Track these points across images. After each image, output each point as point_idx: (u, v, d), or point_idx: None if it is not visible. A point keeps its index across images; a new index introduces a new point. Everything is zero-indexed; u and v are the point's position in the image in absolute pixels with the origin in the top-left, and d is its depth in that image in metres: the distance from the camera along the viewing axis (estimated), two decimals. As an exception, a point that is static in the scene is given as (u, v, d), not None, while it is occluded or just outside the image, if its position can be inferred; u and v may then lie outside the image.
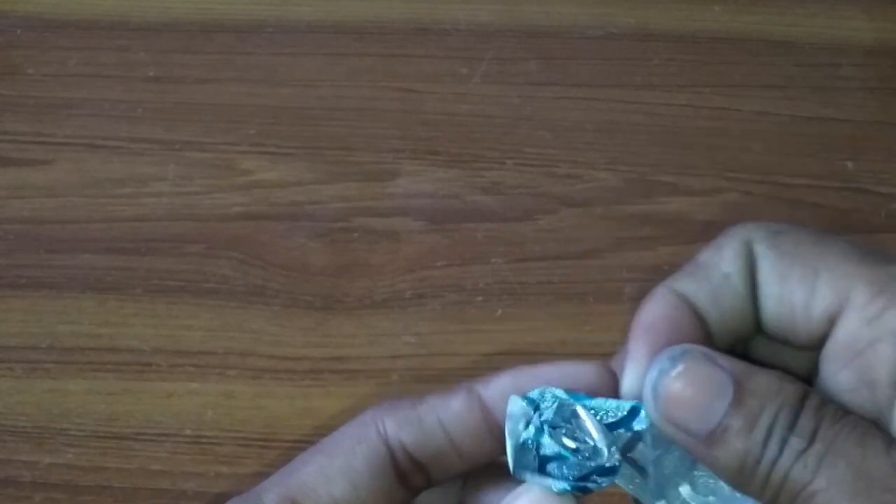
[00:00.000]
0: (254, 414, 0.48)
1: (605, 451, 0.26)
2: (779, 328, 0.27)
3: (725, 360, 0.25)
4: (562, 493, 0.26)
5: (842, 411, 0.25)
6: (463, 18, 0.60)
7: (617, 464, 0.26)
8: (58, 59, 0.59)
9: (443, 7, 0.61)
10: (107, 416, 0.48)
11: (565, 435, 0.26)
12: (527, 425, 0.27)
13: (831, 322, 0.25)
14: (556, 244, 0.53)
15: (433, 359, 0.50)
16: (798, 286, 0.26)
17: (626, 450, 0.27)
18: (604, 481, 0.26)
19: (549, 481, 0.26)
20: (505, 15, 0.61)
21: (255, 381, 0.49)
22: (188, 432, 0.48)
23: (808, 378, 0.27)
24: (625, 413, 0.26)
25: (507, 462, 0.27)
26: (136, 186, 0.54)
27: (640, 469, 0.27)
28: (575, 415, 0.27)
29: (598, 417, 0.27)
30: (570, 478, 0.26)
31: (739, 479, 0.25)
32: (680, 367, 0.25)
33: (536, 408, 0.27)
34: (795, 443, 0.24)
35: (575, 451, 0.26)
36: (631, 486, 0.27)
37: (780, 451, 0.24)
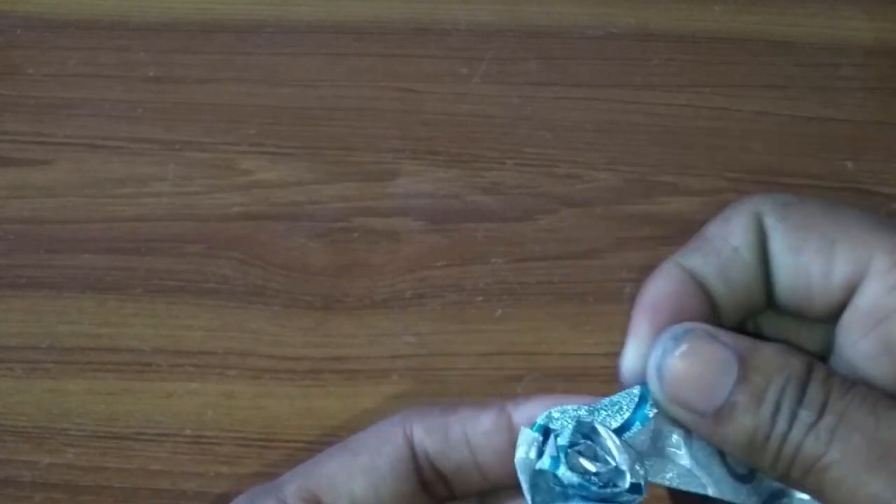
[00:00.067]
0: (254, 414, 0.48)
1: (628, 472, 0.25)
2: (793, 300, 0.26)
3: (728, 337, 0.25)
4: None
5: (849, 382, 0.24)
6: (463, 18, 0.60)
7: (642, 482, 0.25)
8: (58, 59, 0.59)
9: (443, 7, 0.61)
10: (107, 416, 0.48)
11: (584, 455, 0.26)
12: (540, 454, 0.26)
13: (850, 291, 0.25)
14: (556, 244, 0.53)
15: (433, 359, 0.50)
16: (814, 256, 0.25)
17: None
18: (631, 500, 0.26)
19: None
20: (505, 15, 0.61)
21: (255, 381, 0.49)
22: (188, 432, 0.48)
23: (820, 352, 0.27)
24: (636, 400, 0.26)
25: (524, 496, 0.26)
26: (136, 186, 0.54)
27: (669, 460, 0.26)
28: (595, 431, 0.26)
29: (613, 424, 0.26)
30: (592, 502, 0.25)
31: (749, 454, 0.25)
32: (683, 347, 0.25)
33: (547, 433, 0.26)
34: (805, 416, 0.24)
35: (595, 476, 0.25)
36: (669, 477, 0.26)
37: (790, 425, 0.24)
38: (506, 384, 0.49)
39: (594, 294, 0.51)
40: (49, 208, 0.54)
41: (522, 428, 0.26)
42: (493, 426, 0.28)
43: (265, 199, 0.54)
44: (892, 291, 0.24)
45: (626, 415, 0.26)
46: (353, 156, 0.56)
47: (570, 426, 0.26)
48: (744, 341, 0.25)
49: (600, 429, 0.26)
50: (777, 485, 0.27)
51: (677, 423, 0.26)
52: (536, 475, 0.26)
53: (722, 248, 0.26)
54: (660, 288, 0.26)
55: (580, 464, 0.25)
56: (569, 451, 0.25)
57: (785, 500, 0.27)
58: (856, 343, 0.25)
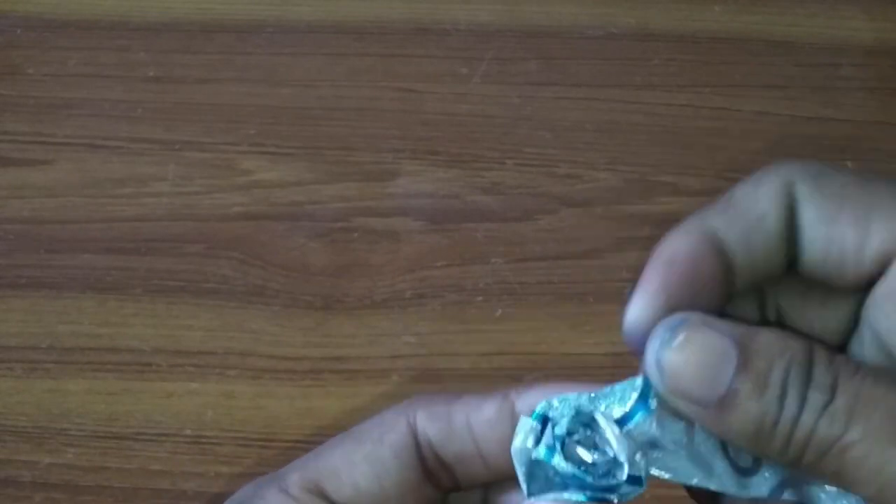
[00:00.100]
0: (254, 414, 0.48)
1: (626, 463, 0.25)
2: (821, 270, 0.26)
3: (724, 324, 0.24)
4: (582, 502, 0.25)
5: (855, 362, 0.24)
6: (463, 18, 0.60)
7: (642, 474, 0.25)
8: (58, 59, 0.59)
9: (443, 7, 0.61)
10: (107, 416, 0.48)
11: (583, 444, 0.25)
12: (538, 443, 0.25)
13: (884, 262, 0.25)
14: (556, 244, 0.53)
15: (433, 359, 0.50)
16: (849, 227, 0.25)
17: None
18: (630, 492, 0.25)
19: (566, 494, 0.25)
20: (505, 15, 0.61)
21: (255, 381, 0.49)
22: (188, 432, 0.48)
23: (837, 327, 0.27)
24: (638, 390, 0.25)
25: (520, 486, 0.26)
26: (136, 186, 0.54)
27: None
28: (594, 421, 0.25)
29: (614, 415, 0.25)
30: (589, 492, 0.25)
31: (757, 442, 0.24)
32: (680, 337, 0.24)
33: (545, 421, 0.26)
34: (816, 398, 0.23)
35: (592, 467, 0.25)
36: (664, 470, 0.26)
37: (801, 407, 0.23)
38: (506, 384, 0.49)
39: (594, 294, 0.51)
40: (49, 208, 0.54)
41: (522, 416, 0.26)
42: (496, 414, 0.28)
43: (265, 199, 0.54)
44: None
45: (628, 405, 0.25)
46: (353, 156, 0.56)
47: (569, 415, 0.25)
48: (739, 327, 0.24)
49: (600, 418, 0.25)
50: (779, 478, 0.26)
51: (679, 415, 0.25)
52: (534, 464, 0.25)
53: (748, 213, 0.26)
54: (678, 245, 0.26)
55: (577, 454, 0.25)
56: (566, 440, 0.25)
57: (787, 494, 0.27)
58: (889, 314, 0.25)
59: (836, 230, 0.25)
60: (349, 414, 0.48)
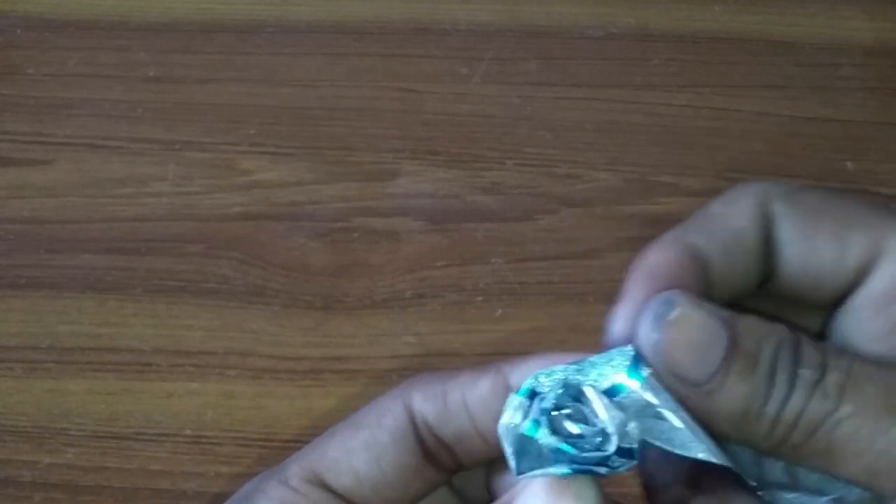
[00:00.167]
0: (254, 414, 0.48)
1: (615, 435, 0.24)
2: (798, 285, 0.26)
3: (712, 305, 0.24)
4: (568, 476, 0.24)
5: (838, 346, 0.24)
6: (463, 18, 0.60)
7: (634, 445, 0.24)
8: (58, 59, 0.59)
9: (443, 7, 0.61)
10: (107, 416, 0.48)
11: (571, 418, 0.24)
12: (525, 419, 0.24)
13: (861, 275, 0.25)
14: (556, 244, 0.53)
15: (433, 359, 0.50)
16: (828, 241, 0.26)
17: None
18: (621, 465, 0.24)
19: (552, 469, 0.24)
20: (505, 15, 0.61)
21: (255, 381, 0.49)
22: (188, 432, 0.48)
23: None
24: (628, 360, 0.24)
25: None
26: (136, 186, 0.54)
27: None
28: (583, 393, 0.24)
29: (603, 385, 0.24)
30: (577, 465, 0.24)
31: (742, 425, 0.24)
32: (675, 313, 0.24)
33: (533, 396, 0.25)
34: (808, 375, 0.23)
35: (581, 439, 0.24)
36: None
37: (791, 385, 0.23)
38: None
39: (594, 294, 0.51)
40: (49, 208, 0.54)
41: (511, 394, 0.25)
42: (490, 390, 0.27)
43: (265, 199, 0.54)
44: None
45: (619, 374, 0.24)
46: (353, 156, 0.56)
47: (556, 388, 0.25)
48: (725, 310, 0.24)
49: (587, 390, 0.24)
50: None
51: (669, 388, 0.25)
52: (523, 441, 0.24)
53: (726, 228, 0.26)
54: (659, 258, 0.26)
55: (565, 427, 0.24)
56: (553, 414, 0.24)
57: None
58: (866, 322, 0.25)
59: (814, 244, 0.26)
60: (349, 414, 0.48)
